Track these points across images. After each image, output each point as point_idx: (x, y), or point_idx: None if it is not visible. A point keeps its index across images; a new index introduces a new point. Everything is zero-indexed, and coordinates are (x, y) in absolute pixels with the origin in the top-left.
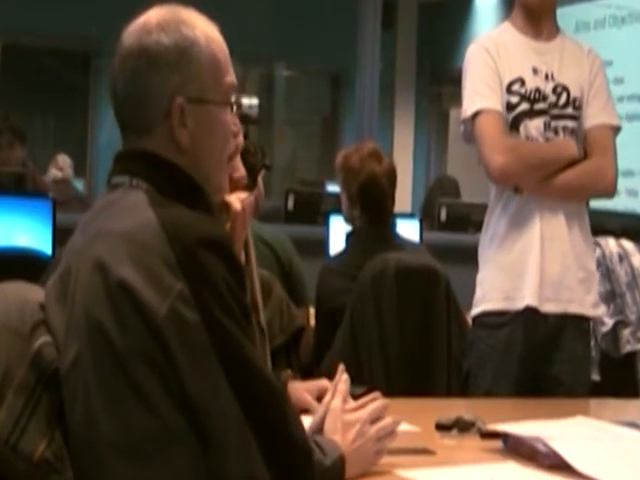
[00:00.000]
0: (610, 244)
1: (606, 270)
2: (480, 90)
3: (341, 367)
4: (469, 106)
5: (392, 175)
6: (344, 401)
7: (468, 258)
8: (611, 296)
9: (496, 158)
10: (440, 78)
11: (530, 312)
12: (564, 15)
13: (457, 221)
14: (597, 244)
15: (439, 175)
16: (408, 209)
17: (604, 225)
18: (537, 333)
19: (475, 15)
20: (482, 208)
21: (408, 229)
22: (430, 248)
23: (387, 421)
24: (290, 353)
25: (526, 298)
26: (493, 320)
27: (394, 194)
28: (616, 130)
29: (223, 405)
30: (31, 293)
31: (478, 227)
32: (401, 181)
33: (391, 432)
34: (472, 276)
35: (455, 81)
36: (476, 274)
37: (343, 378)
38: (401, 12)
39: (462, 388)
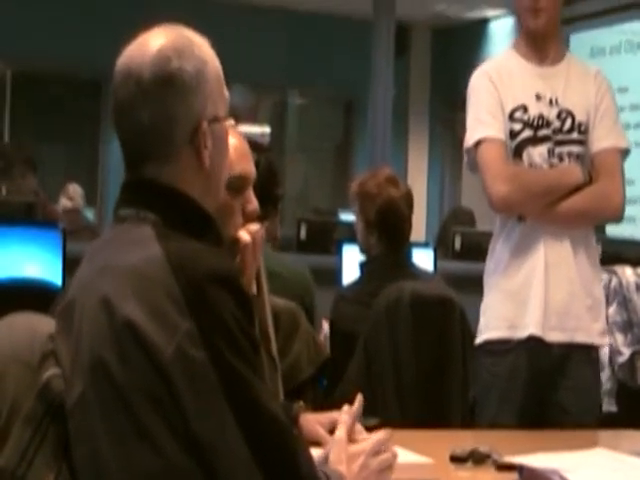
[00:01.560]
0: (627, 273)
1: (623, 299)
2: (482, 118)
3: (359, 397)
4: (471, 135)
5: (409, 200)
6: (349, 432)
7: (483, 287)
8: (628, 325)
9: (498, 187)
10: (454, 104)
11: (534, 341)
12: (579, 41)
13: (472, 250)
14: (614, 273)
15: (454, 207)
16: (422, 238)
17: (621, 253)
18: (542, 361)
19: (489, 40)
20: None
21: (422, 258)
22: (445, 277)
23: (388, 454)
24: (316, 385)
25: (529, 327)
26: (497, 348)
27: (411, 219)
28: (624, 153)
29: (231, 444)
30: (40, 324)
31: None
32: (415, 209)
33: (390, 465)
34: None
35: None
36: None
37: (345, 409)
38: (414, 37)
39: (469, 417)
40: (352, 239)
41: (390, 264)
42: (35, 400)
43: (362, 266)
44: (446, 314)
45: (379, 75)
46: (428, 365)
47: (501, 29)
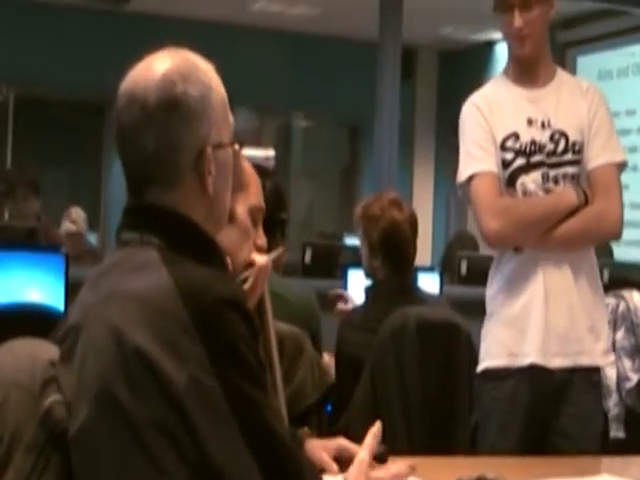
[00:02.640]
0: (635, 297)
1: (631, 324)
2: (473, 153)
3: (378, 424)
4: (463, 170)
5: (414, 223)
6: (371, 455)
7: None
8: (636, 351)
9: (490, 223)
10: None
11: (536, 369)
12: (586, 64)
13: (478, 274)
14: (621, 297)
15: (458, 230)
16: (428, 262)
17: (628, 278)
18: (543, 387)
19: (496, 62)
20: None
21: (428, 282)
22: (451, 302)
23: None
24: (321, 411)
25: (530, 355)
26: (497, 374)
27: (416, 242)
28: (621, 166)
29: (243, 471)
30: (42, 350)
31: None
32: (421, 233)
33: None
34: None
35: None
36: None
37: (373, 430)
38: (420, 60)
39: (471, 442)
40: (357, 263)
41: (395, 289)
42: (37, 427)
43: (367, 291)
44: (452, 339)
45: (385, 98)
46: (435, 390)
47: (507, 52)
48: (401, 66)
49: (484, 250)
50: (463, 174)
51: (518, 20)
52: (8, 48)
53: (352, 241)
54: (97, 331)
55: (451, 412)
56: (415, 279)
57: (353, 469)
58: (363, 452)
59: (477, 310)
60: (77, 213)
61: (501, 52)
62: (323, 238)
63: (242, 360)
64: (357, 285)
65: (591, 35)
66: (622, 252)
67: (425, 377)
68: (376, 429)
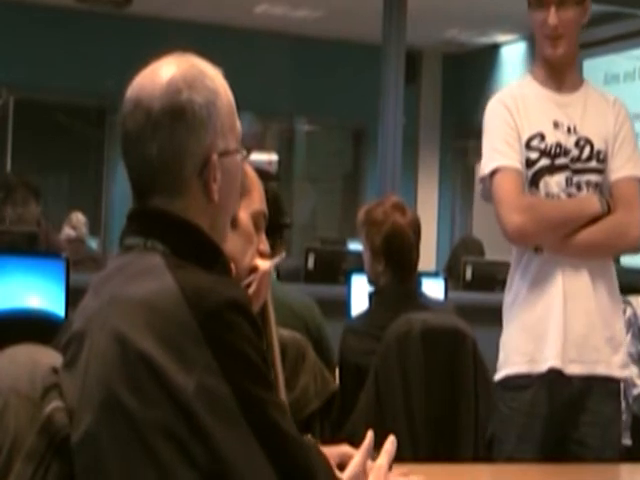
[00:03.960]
0: None
1: (638, 330)
2: (498, 147)
3: (370, 434)
4: (487, 164)
5: (417, 227)
6: (389, 462)
7: (495, 318)
8: None
9: (512, 218)
10: (465, 132)
11: (554, 374)
12: (593, 67)
13: (483, 280)
14: (628, 303)
15: (463, 235)
16: (432, 267)
17: (636, 284)
18: (562, 395)
19: (501, 66)
20: (508, 266)
21: (433, 288)
22: (455, 307)
23: None
24: (324, 418)
25: (549, 360)
26: (516, 382)
27: (419, 246)
28: None
29: (259, 473)
30: (42, 356)
31: (505, 286)
32: (425, 239)
33: None
34: (499, 337)
35: (481, 135)
36: None
37: (391, 439)
38: (425, 64)
39: (487, 453)
40: (361, 269)
41: (399, 294)
42: (37, 435)
43: (371, 297)
44: (458, 345)
45: (389, 102)
46: (440, 397)
47: (513, 54)
48: (405, 69)
49: (489, 255)
50: (486, 168)
51: (554, 18)
52: (8, 52)
53: (356, 246)
54: (101, 337)
55: (456, 420)
56: (419, 285)
57: (372, 475)
58: (382, 459)
59: (482, 316)
60: (78, 218)
61: (506, 55)
62: (326, 243)
63: (249, 362)
64: (361, 291)
65: (597, 38)
66: (629, 258)
67: (430, 384)
68: (392, 438)
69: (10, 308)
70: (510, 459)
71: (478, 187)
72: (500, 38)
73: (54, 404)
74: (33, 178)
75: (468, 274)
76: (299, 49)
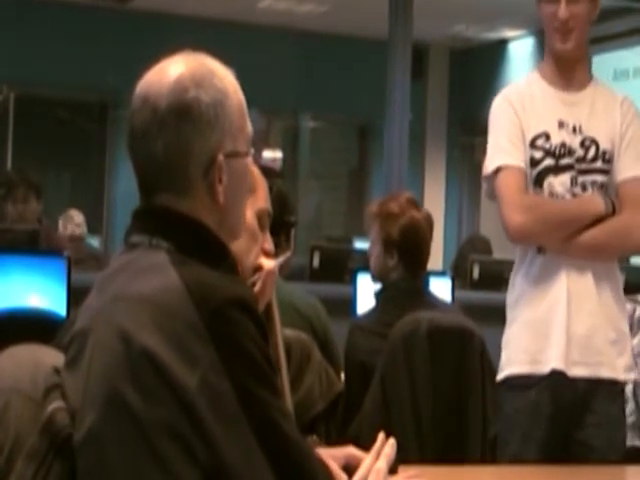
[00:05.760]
0: None
1: None
2: (502, 146)
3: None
4: (490, 162)
5: (430, 224)
6: (389, 465)
7: (502, 317)
8: None
9: (515, 217)
10: (472, 128)
11: (557, 375)
12: (602, 63)
13: (490, 279)
14: (637, 303)
15: (471, 234)
16: (439, 266)
17: None
18: (565, 396)
19: (508, 61)
20: None
21: (440, 287)
22: (463, 307)
23: None
24: (329, 419)
25: (552, 361)
26: (519, 382)
27: (430, 244)
28: None
29: (256, 471)
30: (44, 356)
31: None
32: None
33: None
34: None
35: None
36: None
37: (391, 442)
38: (432, 60)
39: (491, 453)
40: (367, 267)
41: (407, 292)
42: (38, 435)
43: (378, 295)
44: (465, 345)
45: (395, 98)
46: (447, 397)
47: (521, 50)
48: (411, 65)
49: (497, 254)
50: (490, 166)
51: (564, 11)
52: (9, 47)
53: (361, 245)
54: (104, 334)
55: (463, 420)
56: (427, 282)
57: (371, 478)
58: (382, 461)
59: (489, 315)
60: (77, 216)
61: (514, 51)
62: (331, 241)
63: (252, 361)
64: (367, 290)
65: (606, 33)
66: (637, 256)
67: (437, 384)
68: (392, 442)
69: (11, 307)
70: (514, 460)
71: (484, 185)
72: (508, 33)
73: (56, 404)
74: (34, 175)
75: (475, 273)
76: (303, 44)
